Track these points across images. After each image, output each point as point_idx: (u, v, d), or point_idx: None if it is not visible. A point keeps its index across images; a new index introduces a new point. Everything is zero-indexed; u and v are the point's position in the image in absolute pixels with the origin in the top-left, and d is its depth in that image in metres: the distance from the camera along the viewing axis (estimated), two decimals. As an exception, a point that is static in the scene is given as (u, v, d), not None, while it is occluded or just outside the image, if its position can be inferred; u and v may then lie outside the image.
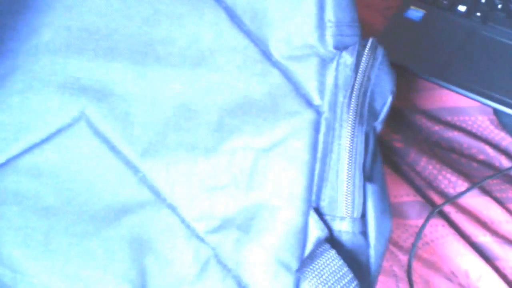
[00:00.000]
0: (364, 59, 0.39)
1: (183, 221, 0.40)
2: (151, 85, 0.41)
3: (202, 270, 0.39)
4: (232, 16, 0.41)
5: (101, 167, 0.40)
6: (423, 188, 0.60)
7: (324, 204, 0.39)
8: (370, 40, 0.40)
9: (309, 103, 0.40)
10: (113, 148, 0.40)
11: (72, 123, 0.40)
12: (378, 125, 0.40)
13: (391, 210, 0.39)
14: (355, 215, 0.38)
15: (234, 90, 0.40)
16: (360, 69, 0.39)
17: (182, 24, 0.41)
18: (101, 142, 0.40)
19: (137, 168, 0.40)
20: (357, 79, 0.39)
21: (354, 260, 0.38)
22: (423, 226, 0.54)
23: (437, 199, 0.58)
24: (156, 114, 0.40)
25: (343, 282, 0.36)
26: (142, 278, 0.39)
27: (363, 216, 0.39)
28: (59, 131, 0.40)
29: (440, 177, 0.60)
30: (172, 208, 0.40)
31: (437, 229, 0.56)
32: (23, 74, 0.41)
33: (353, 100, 0.39)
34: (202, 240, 0.39)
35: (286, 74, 0.41)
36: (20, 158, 0.40)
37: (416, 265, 0.54)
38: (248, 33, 0.41)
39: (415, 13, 0.68)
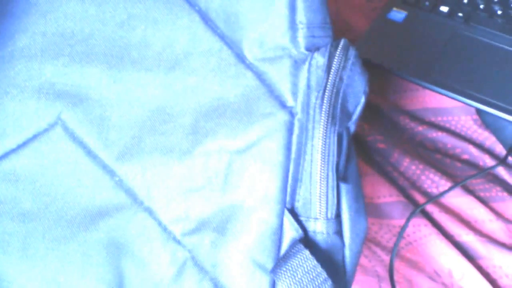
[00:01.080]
0: (336, 60, 0.39)
1: (159, 224, 0.40)
2: (126, 89, 0.41)
3: (179, 272, 0.39)
4: (206, 19, 0.41)
5: (77, 171, 0.40)
6: (406, 188, 0.60)
7: (298, 205, 0.39)
8: (342, 41, 0.40)
9: (282, 104, 0.40)
10: (89, 153, 0.40)
11: (48, 128, 0.41)
12: (352, 126, 0.40)
13: (366, 210, 0.40)
14: (329, 215, 0.38)
15: (209, 93, 0.40)
16: (332, 70, 0.39)
17: (156, 28, 0.41)
18: (78, 146, 0.40)
19: (114, 171, 0.40)
20: (329, 80, 0.39)
21: (329, 260, 0.38)
22: (405, 225, 0.54)
23: (420, 199, 0.59)
24: (131, 118, 0.40)
25: (317, 282, 0.36)
26: (119, 281, 0.39)
27: (338, 216, 0.39)
28: (35, 136, 0.40)
29: (423, 177, 0.60)
30: (149, 211, 0.40)
31: (420, 229, 0.56)
32: (-1, 80, 0.41)
33: (325, 101, 0.39)
34: (178, 242, 0.40)
35: (259, 76, 0.41)
36: (-3, 163, 0.40)
37: (399, 265, 0.54)
38: (222, 36, 0.41)
39: (398, 14, 0.68)
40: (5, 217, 0.40)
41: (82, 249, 0.39)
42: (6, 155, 0.40)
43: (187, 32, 0.41)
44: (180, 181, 0.40)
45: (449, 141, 0.64)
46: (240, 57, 0.41)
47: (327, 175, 0.38)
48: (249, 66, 0.41)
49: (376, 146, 0.63)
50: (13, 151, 0.40)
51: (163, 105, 0.41)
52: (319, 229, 0.38)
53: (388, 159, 0.62)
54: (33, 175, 0.40)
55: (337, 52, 0.40)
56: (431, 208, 0.58)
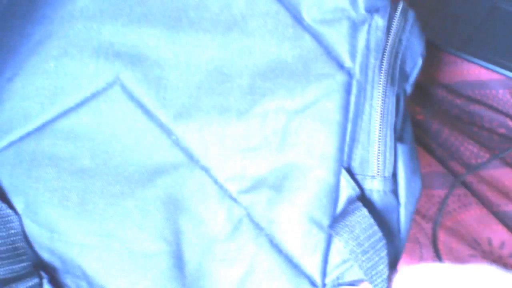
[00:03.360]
0: (395, 22, 0.40)
1: (216, 182, 0.41)
2: (184, 50, 0.41)
3: (235, 229, 0.40)
4: (264, -19, 0.42)
5: (135, 130, 0.41)
6: (445, 159, 0.60)
7: (355, 164, 0.40)
8: (401, 3, 0.40)
9: (340, 65, 0.41)
10: (147, 112, 0.41)
11: (106, 87, 0.41)
12: (409, 88, 0.41)
13: (420, 170, 0.40)
14: (386, 174, 0.39)
15: (266, 54, 0.41)
16: (392, 31, 0.40)
17: (215, -11, 0.42)
18: (135, 106, 0.41)
19: (171, 130, 0.41)
20: (389, 42, 0.39)
21: (384, 219, 0.39)
22: (448, 195, 0.55)
23: (460, 170, 0.59)
24: (189, 78, 0.41)
25: (372, 240, 0.37)
26: (177, 236, 0.40)
27: (394, 175, 0.39)
28: (94, 96, 0.41)
29: (462, 149, 0.61)
30: (205, 169, 0.41)
31: (459, 199, 0.57)
32: (58, 40, 0.42)
33: (384, 62, 0.39)
34: (234, 200, 0.40)
35: (317, 38, 0.41)
36: (56, 122, 0.41)
37: (440, 233, 0.54)
38: (280, -2, 0.42)
39: (437, -13, 0.68)
40: (64, 173, 0.41)
41: (140, 205, 0.40)
42: (65, 113, 0.41)
43: (245, -6, 0.41)
44: (237, 140, 0.41)
45: (486, 114, 0.64)
46: (298, 19, 0.41)
47: (386, 134, 0.39)
48: (307, 28, 0.41)
49: (415, 117, 0.63)
50: (72, 109, 0.41)
51: (221, 66, 0.41)
52: (376, 187, 0.39)
53: (427, 131, 0.62)
54: (92, 133, 0.41)
55: (397, 14, 0.40)
56: (470, 178, 0.59)
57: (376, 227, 0.37)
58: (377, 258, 0.37)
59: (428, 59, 0.68)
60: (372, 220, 0.37)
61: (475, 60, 0.62)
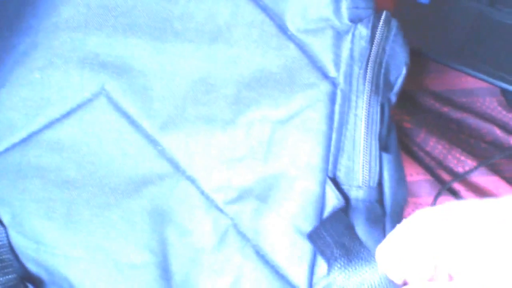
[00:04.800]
0: (379, 31, 0.40)
1: (202, 192, 0.41)
2: (169, 60, 0.41)
3: (221, 239, 0.40)
4: (249, -9, 0.42)
5: (121, 140, 0.41)
6: (432, 167, 0.60)
7: (341, 174, 0.40)
8: (384, 12, 0.41)
9: (325, 75, 0.41)
10: (132, 122, 0.41)
11: (92, 98, 0.41)
12: (393, 97, 0.41)
13: (406, 180, 0.40)
14: (372, 183, 0.39)
15: (251, 64, 0.41)
16: (375, 41, 0.40)
17: (199, 0, 0.42)
18: (121, 116, 0.41)
19: (157, 141, 0.41)
20: (372, 51, 0.40)
21: (370, 229, 0.39)
22: (434, 203, 0.55)
23: (447, 178, 0.59)
24: (174, 88, 0.41)
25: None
26: (163, 247, 0.40)
27: (379, 185, 0.39)
28: (79, 106, 0.41)
29: (449, 157, 0.61)
30: (191, 179, 0.41)
31: (447, 206, 0.57)
32: (43, 50, 0.42)
33: (368, 71, 0.39)
34: (221, 210, 0.40)
35: (302, 48, 0.41)
36: (42, 133, 0.41)
37: (428, 241, 0.54)
38: (264, 8, 0.42)
39: (424, -4, 0.68)
40: (50, 184, 0.40)
41: (126, 216, 0.40)
42: (50, 124, 0.41)
43: (230, 4, 0.42)
44: (223, 150, 0.41)
45: (474, 122, 0.65)
46: (283, 29, 0.42)
47: (371, 143, 0.39)
48: (291, 38, 0.42)
49: (402, 125, 0.63)
50: (57, 120, 0.41)
51: (206, 76, 0.41)
52: (362, 197, 0.39)
53: (414, 139, 0.62)
54: (77, 144, 0.41)
55: (380, 24, 0.40)
56: (458, 186, 0.59)
57: (357, 237, 0.37)
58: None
59: (415, 67, 0.68)
60: (354, 231, 0.37)
61: (463, 68, 0.62)
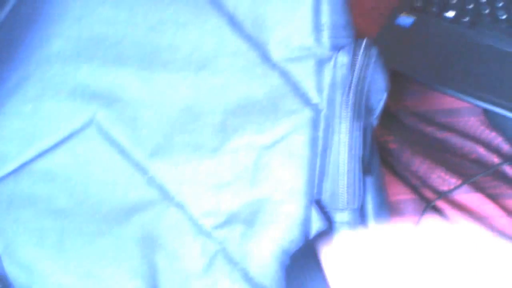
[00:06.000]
0: (359, 58, 0.41)
1: (190, 218, 0.42)
2: (157, 90, 0.43)
3: (210, 264, 0.41)
4: (233, 22, 0.43)
5: (111, 169, 0.42)
6: (417, 187, 0.62)
7: (325, 197, 0.41)
8: (364, 40, 0.42)
9: (307, 101, 0.42)
10: (122, 151, 0.42)
11: (83, 128, 0.42)
12: (374, 121, 0.42)
13: (388, 201, 0.41)
14: (355, 206, 0.40)
15: (236, 92, 0.42)
16: (356, 67, 0.41)
17: (185, 31, 0.43)
18: (111, 145, 0.42)
19: (146, 169, 0.42)
20: (354, 77, 0.41)
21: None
22: (419, 220, 0.56)
23: (432, 197, 0.60)
24: (162, 117, 0.42)
25: None
26: (153, 273, 0.41)
27: (362, 207, 0.40)
28: (70, 136, 0.42)
29: (434, 176, 0.62)
30: (180, 206, 0.42)
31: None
32: (35, 82, 0.43)
33: (350, 97, 0.41)
34: (209, 235, 0.41)
35: (285, 75, 0.43)
36: (33, 162, 0.42)
37: (414, 260, 0.55)
38: (248, 38, 0.43)
39: (406, 19, 0.70)
40: (42, 214, 0.41)
41: (116, 243, 0.41)
42: (42, 154, 0.42)
43: (215, 35, 0.43)
44: (210, 177, 0.42)
45: (458, 141, 0.66)
46: (266, 58, 0.43)
47: (354, 167, 0.40)
48: (275, 66, 0.43)
49: (387, 146, 0.65)
50: (49, 150, 0.42)
51: (193, 104, 0.42)
52: (345, 219, 0.40)
53: (399, 159, 0.64)
54: (68, 174, 0.42)
55: (360, 51, 0.42)
56: (442, 205, 0.60)
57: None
58: None
59: (399, 88, 0.70)
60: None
61: (445, 89, 0.64)
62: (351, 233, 0.31)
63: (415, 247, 0.27)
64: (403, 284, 0.27)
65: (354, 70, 0.41)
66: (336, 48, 0.42)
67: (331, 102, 0.42)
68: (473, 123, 0.67)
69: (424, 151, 0.65)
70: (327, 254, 0.28)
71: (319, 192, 0.41)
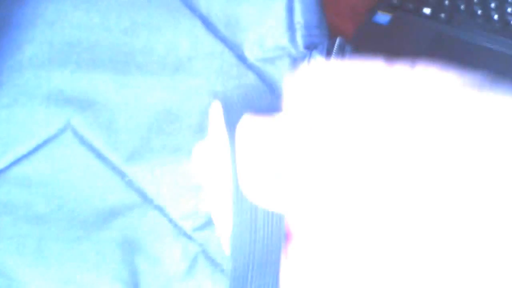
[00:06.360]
0: (333, 57, 0.42)
1: (170, 220, 0.41)
2: (133, 93, 0.42)
3: (191, 266, 0.41)
4: (207, 23, 0.43)
5: (88, 174, 0.42)
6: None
7: None
8: (338, 39, 0.42)
9: (284, 101, 0.42)
10: (99, 155, 0.42)
11: (58, 133, 0.42)
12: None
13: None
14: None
15: (212, 93, 0.42)
16: (330, 66, 0.41)
17: (159, 34, 0.43)
18: (88, 150, 0.42)
19: (124, 173, 0.42)
20: (328, 76, 0.41)
21: None
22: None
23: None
24: (139, 120, 0.42)
25: None
26: (134, 277, 0.41)
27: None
28: (46, 142, 0.42)
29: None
30: (159, 208, 0.42)
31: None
32: (8, 89, 0.42)
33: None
34: (189, 237, 0.41)
35: (261, 76, 0.43)
36: (9, 169, 0.42)
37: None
38: (223, 39, 0.43)
39: (383, 17, 0.71)
40: (19, 221, 0.41)
41: (96, 248, 0.41)
42: (18, 160, 0.42)
43: (189, 36, 0.43)
44: (189, 178, 0.41)
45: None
46: (242, 58, 0.43)
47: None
48: (250, 66, 0.43)
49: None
50: (24, 156, 0.42)
51: (169, 107, 0.42)
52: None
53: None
54: (45, 179, 0.42)
55: (334, 50, 0.42)
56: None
57: None
58: None
59: (378, 86, 0.70)
60: None
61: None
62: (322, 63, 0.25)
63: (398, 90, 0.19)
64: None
65: (328, 69, 0.41)
66: (311, 47, 0.43)
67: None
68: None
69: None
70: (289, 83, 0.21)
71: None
